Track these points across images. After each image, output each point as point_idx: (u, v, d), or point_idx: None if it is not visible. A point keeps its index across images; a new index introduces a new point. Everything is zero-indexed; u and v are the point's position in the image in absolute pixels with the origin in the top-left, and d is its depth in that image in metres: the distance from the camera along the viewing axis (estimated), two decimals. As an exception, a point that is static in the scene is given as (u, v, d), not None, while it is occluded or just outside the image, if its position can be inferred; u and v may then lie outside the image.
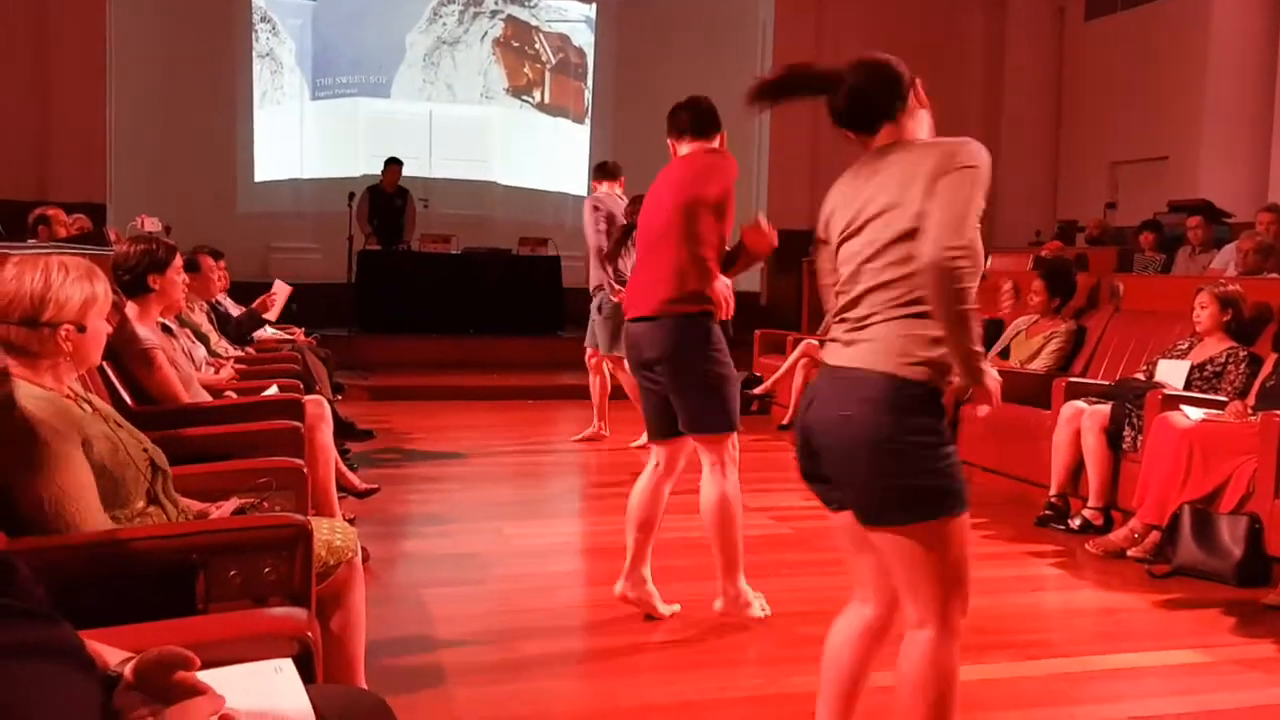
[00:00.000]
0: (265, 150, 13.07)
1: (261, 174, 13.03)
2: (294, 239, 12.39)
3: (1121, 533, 4.82)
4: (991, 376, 2.31)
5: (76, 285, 2.24)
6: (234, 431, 3.41)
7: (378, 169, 11.58)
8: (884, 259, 2.22)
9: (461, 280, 11.36)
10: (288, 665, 1.67)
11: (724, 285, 3.60)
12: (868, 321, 2.23)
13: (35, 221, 7.42)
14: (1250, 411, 4.67)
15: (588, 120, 14.28)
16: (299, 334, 7.15)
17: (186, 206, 10.86)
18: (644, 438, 4.32)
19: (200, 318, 5.51)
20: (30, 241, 6.47)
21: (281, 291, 6.50)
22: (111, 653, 1.45)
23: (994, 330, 6.73)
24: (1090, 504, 5.20)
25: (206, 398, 4.07)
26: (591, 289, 6.88)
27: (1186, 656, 3.64)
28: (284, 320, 7.32)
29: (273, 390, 4.41)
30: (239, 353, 5.74)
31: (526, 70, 14.26)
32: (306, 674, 1.69)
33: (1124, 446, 5.10)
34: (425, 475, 6.24)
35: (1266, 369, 4.96)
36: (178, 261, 4.06)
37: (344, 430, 5.71)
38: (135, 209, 9.09)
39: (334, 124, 13.47)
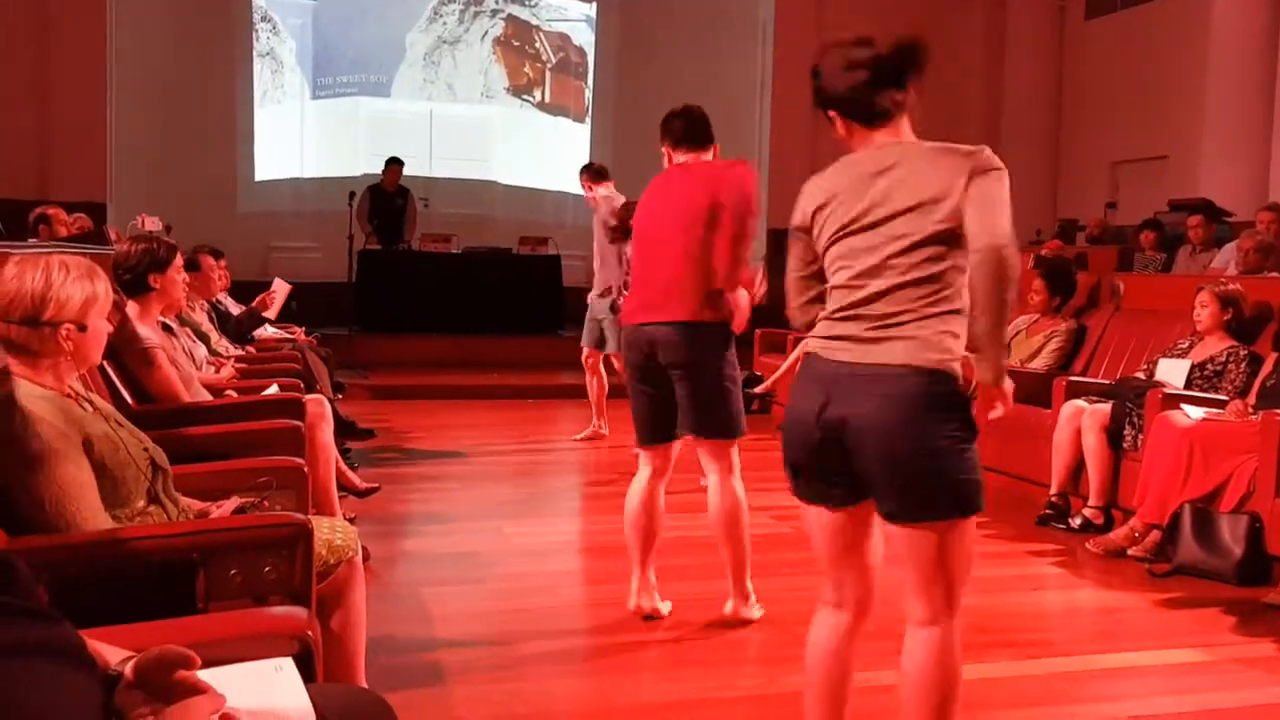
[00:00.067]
0: (266, 149, 13.07)
1: (262, 173, 13.03)
2: (294, 238, 12.39)
3: (1122, 532, 4.82)
4: (1008, 379, 2.30)
5: (77, 284, 2.24)
6: (234, 431, 3.41)
7: (378, 168, 11.59)
8: (918, 255, 2.20)
9: (462, 279, 11.37)
10: (288, 664, 1.67)
11: (744, 296, 3.61)
12: (900, 318, 2.20)
13: (36, 221, 7.42)
14: (1251, 410, 4.66)
15: (588, 119, 14.27)
16: (299, 333, 7.15)
17: (187, 205, 10.86)
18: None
19: (201, 317, 5.51)
20: (31, 241, 6.47)
21: (281, 289, 6.50)
22: (112, 652, 1.45)
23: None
24: (1091, 503, 5.20)
25: (207, 397, 4.07)
26: (600, 290, 6.84)
27: (1187, 655, 3.64)
28: (284, 319, 7.32)
29: (273, 389, 4.41)
30: (239, 352, 5.74)
31: (527, 69, 14.26)
32: (307, 673, 1.69)
33: (1124, 445, 5.10)
34: (425, 474, 6.24)
35: (1267, 368, 4.95)
36: (178, 260, 4.06)
37: (344, 429, 5.70)
38: (136, 208, 9.08)
39: (334, 123, 13.47)
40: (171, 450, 2.58)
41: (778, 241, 10.29)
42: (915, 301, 2.21)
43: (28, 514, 2.14)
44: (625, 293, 6.54)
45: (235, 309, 6.56)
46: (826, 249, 2.32)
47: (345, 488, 4.97)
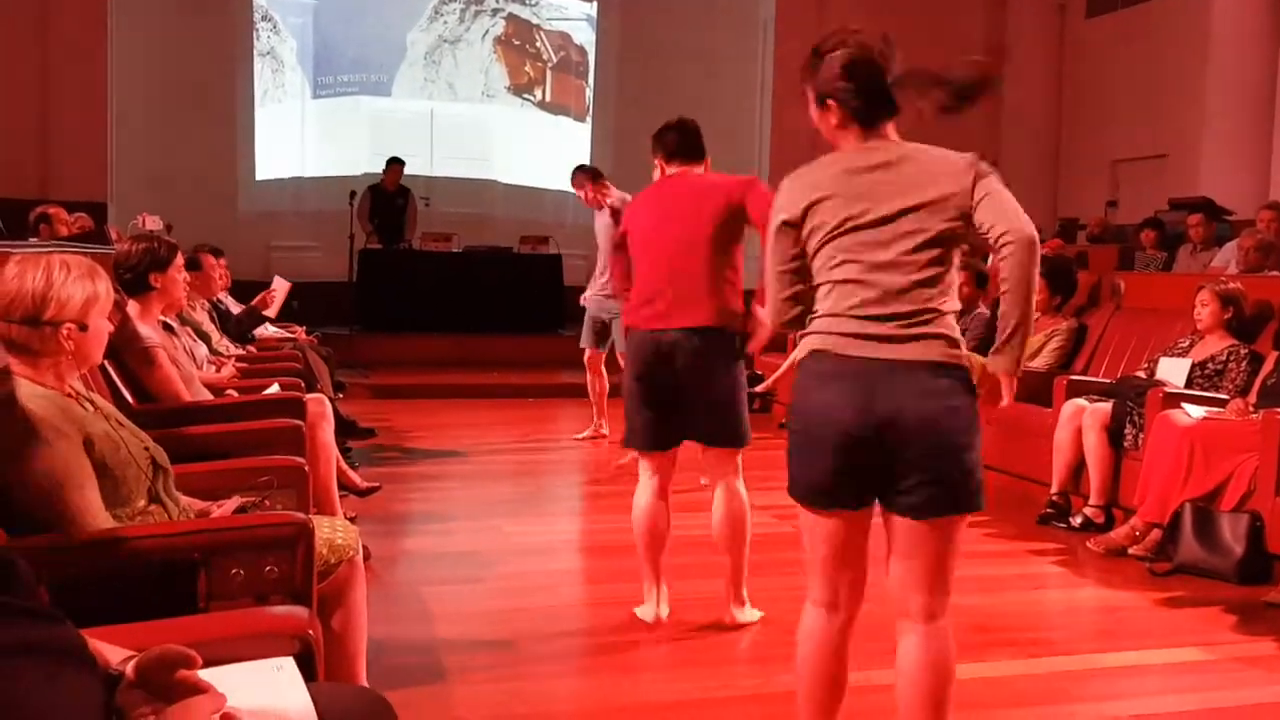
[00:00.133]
0: (266, 149, 13.06)
1: (263, 172, 13.03)
2: (295, 237, 12.38)
3: (1123, 531, 4.82)
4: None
5: (78, 284, 2.24)
6: (235, 430, 3.41)
7: (379, 167, 11.59)
8: (929, 253, 2.24)
9: (462, 279, 11.37)
10: (289, 663, 1.68)
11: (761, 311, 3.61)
12: (923, 316, 2.24)
13: (36, 220, 7.42)
14: (1251, 409, 4.66)
15: (589, 119, 14.27)
16: (300, 332, 7.15)
17: (188, 205, 10.85)
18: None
19: (201, 316, 5.51)
20: (32, 240, 6.47)
21: (281, 288, 6.50)
22: (113, 651, 1.45)
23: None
24: (1091, 502, 5.20)
25: (208, 396, 4.07)
26: (609, 291, 6.82)
27: (1188, 654, 3.64)
28: (285, 318, 7.32)
29: (274, 389, 4.41)
30: (240, 351, 5.74)
31: (527, 69, 14.25)
32: (308, 672, 1.69)
33: (1125, 444, 5.10)
34: (426, 473, 6.24)
35: (1267, 367, 4.95)
36: (179, 260, 4.06)
37: (345, 428, 5.70)
38: (136, 207, 9.07)
39: (335, 122, 13.46)
40: (172, 449, 2.58)
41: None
42: (931, 300, 2.25)
43: (29, 513, 2.14)
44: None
45: (236, 308, 6.56)
46: (823, 244, 2.30)
47: (346, 487, 4.97)
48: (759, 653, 3.55)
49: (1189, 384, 5.13)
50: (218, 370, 4.79)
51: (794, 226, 2.34)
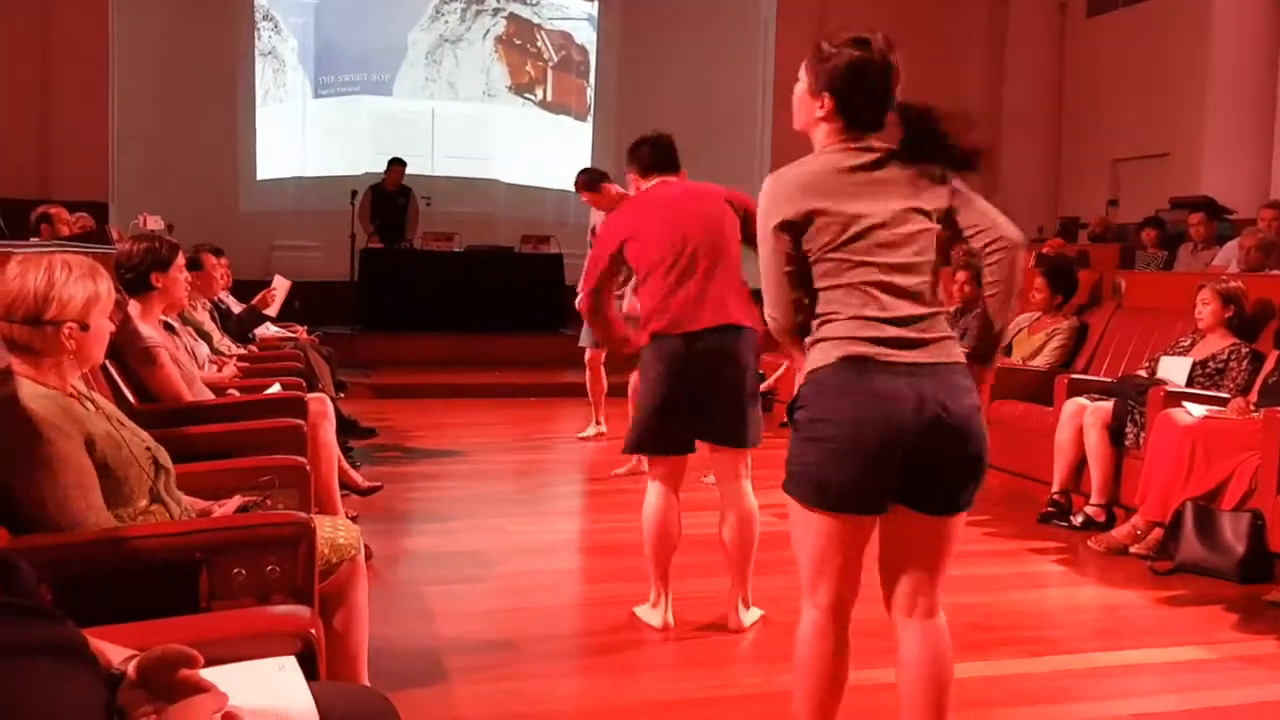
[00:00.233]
0: (267, 148, 13.07)
1: (264, 172, 13.03)
2: (296, 237, 12.39)
3: (1124, 529, 4.82)
4: None
5: (80, 284, 2.24)
6: (237, 429, 3.41)
7: (380, 167, 11.60)
8: (928, 255, 2.30)
9: (464, 278, 11.37)
10: (291, 663, 1.68)
11: None
12: (937, 318, 2.29)
13: (38, 220, 7.43)
14: (1252, 408, 4.66)
15: (590, 118, 14.26)
16: (301, 332, 7.15)
17: (189, 204, 10.86)
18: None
19: (203, 316, 5.51)
20: (33, 240, 6.48)
21: (281, 286, 6.50)
22: (115, 650, 1.45)
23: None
24: (1093, 501, 5.21)
25: (209, 396, 4.07)
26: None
27: (1189, 653, 3.64)
28: (286, 318, 7.32)
29: (275, 388, 4.41)
30: (241, 350, 5.74)
31: (528, 68, 14.25)
32: (309, 671, 1.70)
33: (1126, 443, 5.11)
34: (427, 473, 6.24)
35: (1268, 365, 4.95)
36: (180, 260, 4.06)
37: (346, 428, 5.71)
38: (138, 207, 9.09)
39: (336, 122, 13.47)
40: (174, 449, 2.58)
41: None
42: (938, 300, 2.31)
43: (30, 513, 2.14)
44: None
45: (237, 308, 6.56)
46: (832, 247, 2.28)
47: (347, 486, 4.98)
48: (760, 652, 3.55)
49: (1190, 383, 5.13)
50: (219, 370, 4.79)
51: (793, 227, 2.30)
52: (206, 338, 5.19)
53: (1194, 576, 4.41)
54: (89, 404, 2.36)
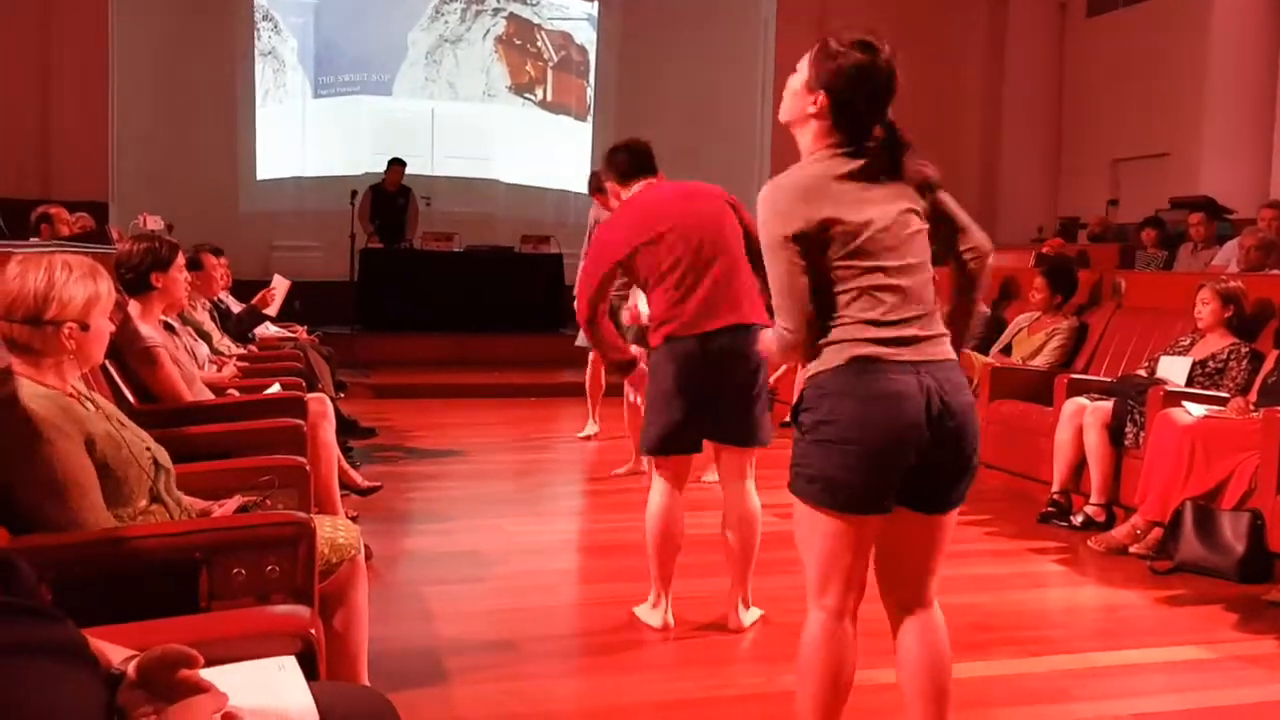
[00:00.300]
0: (267, 148, 13.07)
1: (264, 172, 13.03)
2: (296, 237, 12.38)
3: (1124, 529, 4.82)
4: None
5: (80, 284, 2.25)
6: (236, 429, 3.41)
7: (380, 167, 11.60)
8: (922, 255, 2.33)
9: (463, 278, 11.37)
10: (291, 663, 1.68)
11: None
12: (934, 316, 2.33)
13: (38, 220, 7.43)
14: (1252, 408, 4.67)
15: (590, 118, 14.26)
16: (301, 332, 7.15)
17: (189, 205, 10.86)
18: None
19: (203, 316, 5.51)
20: (33, 240, 6.48)
21: (281, 286, 6.50)
22: (115, 650, 1.45)
23: (998, 326, 6.74)
24: (1092, 500, 5.21)
25: (209, 396, 4.07)
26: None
27: (1188, 653, 3.64)
28: (286, 318, 7.32)
29: (275, 388, 4.41)
30: (241, 350, 5.74)
31: (528, 68, 14.25)
32: (309, 671, 1.70)
33: (1126, 443, 5.11)
34: (427, 473, 6.24)
35: (1268, 365, 4.95)
36: (180, 260, 4.06)
37: (346, 428, 5.71)
38: (137, 207, 9.09)
39: (336, 122, 13.47)
40: (174, 449, 2.58)
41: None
42: (934, 300, 2.34)
43: (30, 513, 2.14)
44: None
45: (237, 308, 6.56)
46: (843, 253, 2.26)
47: (347, 486, 4.98)
48: (760, 652, 3.55)
49: (1190, 382, 5.13)
50: (219, 370, 4.79)
51: (805, 238, 2.26)
52: (206, 338, 5.19)
53: (1194, 576, 4.41)
54: (89, 404, 2.36)
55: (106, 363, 3.23)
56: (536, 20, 14.20)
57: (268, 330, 6.68)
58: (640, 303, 4.73)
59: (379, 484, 5.30)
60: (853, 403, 2.24)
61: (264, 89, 13.09)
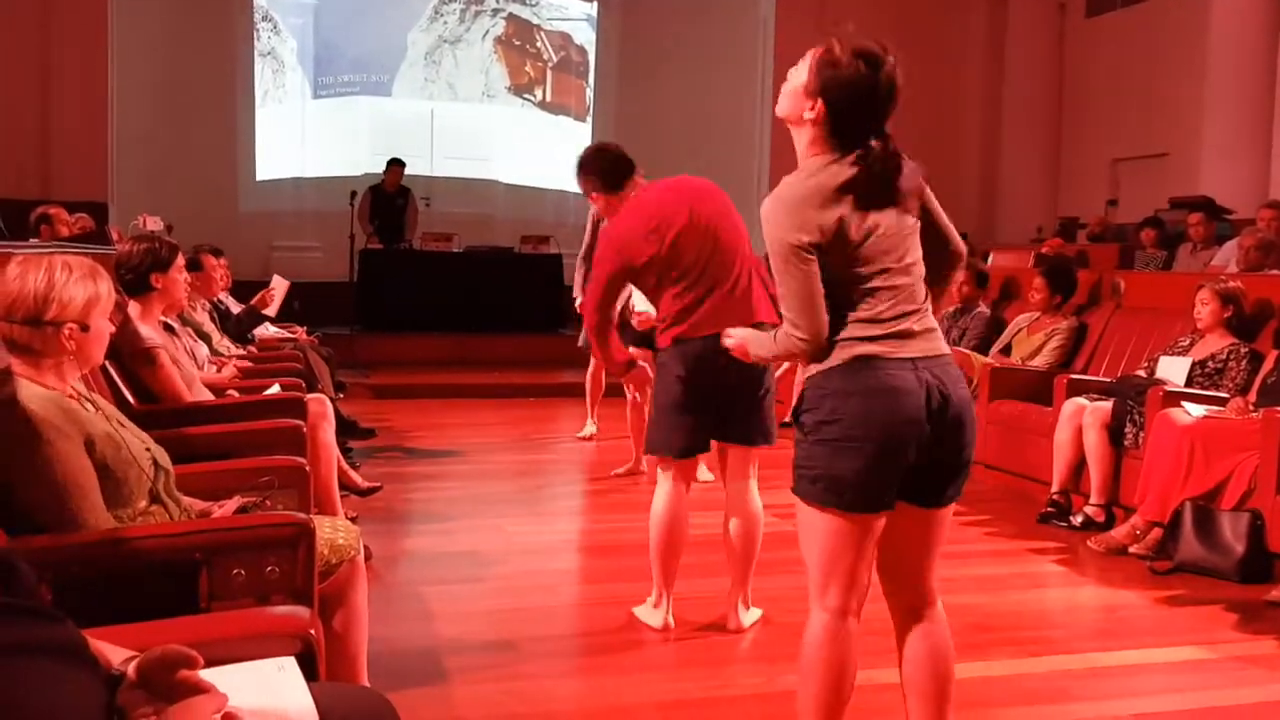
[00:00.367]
0: (267, 149, 13.06)
1: (263, 173, 13.03)
2: (296, 238, 12.39)
3: (1123, 529, 4.82)
4: None
5: (80, 285, 2.25)
6: (236, 430, 3.41)
7: (380, 168, 11.61)
8: (916, 254, 2.36)
9: (463, 279, 11.38)
10: (290, 663, 1.68)
11: None
12: (928, 309, 2.36)
13: (37, 221, 7.43)
14: (1251, 408, 4.67)
15: (589, 118, 14.27)
16: (301, 332, 7.15)
17: (188, 205, 10.86)
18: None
19: (202, 316, 5.51)
20: (33, 241, 6.48)
21: (280, 286, 6.50)
22: (114, 651, 1.45)
23: (997, 326, 6.74)
24: (1092, 501, 5.21)
25: (209, 396, 4.07)
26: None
27: (1188, 653, 3.65)
28: (286, 318, 7.32)
29: (275, 389, 4.41)
30: (241, 351, 5.73)
31: (528, 68, 14.25)
32: (309, 672, 1.70)
33: (1125, 443, 5.11)
34: (427, 473, 6.24)
35: (1267, 365, 4.95)
36: (180, 260, 4.06)
37: (346, 428, 5.71)
38: (137, 208, 9.08)
39: (336, 123, 13.46)
40: (173, 450, 2.58)
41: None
42: (923, 296, 2.35)
43: (30, 514, 2.14)
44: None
45: (236, 308, 6.56)
46: (851, 258, 2.27)
47: (347, 487, 4.98)
48: (760, 652, 3.55)
49: (1189, 383, 5.13)
50: (218, 370, 4.79)
51: (818, 248, 2.25)
52: (206, 338, 5.19)
53: (1193, 576, 4.41)
54: (89, 405, 2.36)
55: (106, 363, 3.23)
56: (536, 21, 14.20)
57: (267, 331, 6.68)
58: (638, 301, 4.73)
59: (378, 485, 5.30)
60: (854, 401, 2.25)
61: (263, 89, 13.09)
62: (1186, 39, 11.34)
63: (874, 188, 2.27)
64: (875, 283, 2.28)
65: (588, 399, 7.30)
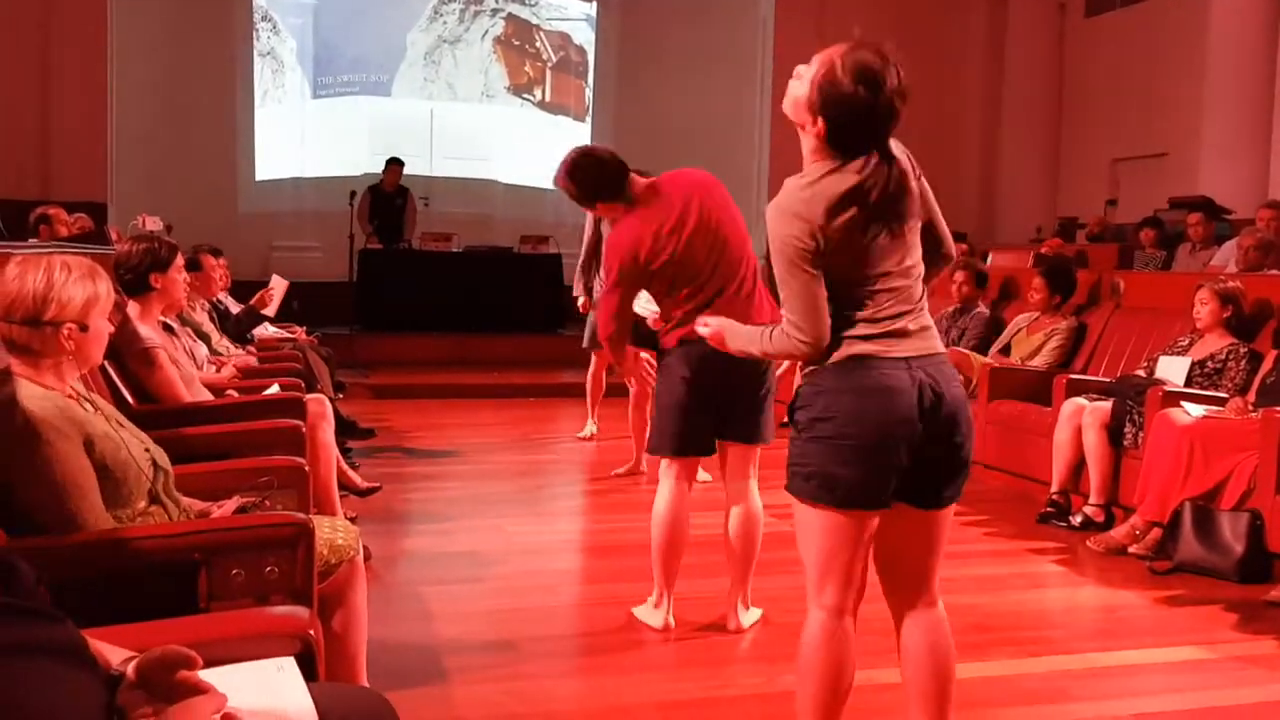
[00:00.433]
0: (266, 149, 13.06)
1: (263, 173, 13.02)
2: (295, 238, 12.39)
3: (1123, 529, 4.82)
4: None
5: (79, 285, 2.25)
6: (235, 430, 3.41)
7: (379, 168, 11.61)
8: (915, 254, 2.37)
9: (462, 279, 11.37)
10: (290, 664, 1.68)
11: None
12: (925, 308, 2.37)
13: (37, 221, 7.43)
14: (1251, 408, 4.67)
15: (588, 118, 14.27)
16: (300, 332, 7.15)
17: (188, 205, 10.85)
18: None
19: (201, 316, 5.51)
20: (32, 241, 6.48)
21: (279, 286, 6.50)
22: (114, 652, 1.45)
23: (996, 326, 6.74)
24: (1091, 501, 5.21)
25: (208, 397, 4.07)
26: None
27: (1188, 653, 3.65)
28: (285, 318, 7.32)
29: (274, 389, 4.41)
30: (240, 352, 5.73)
31: (527, 68, 14.25)
32: (308, 672, 1.70)
33: (1125, 443, 5.11)
34: (426, 473, 6.24)
35: (1267, 365, 4.96)
36: (179, 260, 4.06)
37: (345, 429, 5.70)
38: (136, 208, 9.08)
39: (335, 123, 13.46)
40: (173, 450, 2.58)
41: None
42: (919, 295, 2.36)
43: (30, 514, 2.14)
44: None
45: (236, 308, 6.56)
46: (850, 262, 2.28)
47: (346, 487, 4.97)
48: (760, 652, 3.55)
49: (1188, 383, 5.13)
50: (218, 370, 4.79)
51: (820, 255, 2.26)
52: (205, 338, 5.19)
53: (1193, 576, 4.41)
54: (88, 405, 2.36)
55: (105, 364, 3.23)
56: (535, 21, 14.20)
57: (266, 331, 6.67)
58: (643, 303, 4.72)
59: (378, 485, 5.29)
60: (848, 399, 2.27)
61: (263, 89, 13.09)
62: (1186, 39, 11.34)
63: (876, 196, 2.27)
64: (875, 285, 2.30)
65: (588, 399, 7.30)
